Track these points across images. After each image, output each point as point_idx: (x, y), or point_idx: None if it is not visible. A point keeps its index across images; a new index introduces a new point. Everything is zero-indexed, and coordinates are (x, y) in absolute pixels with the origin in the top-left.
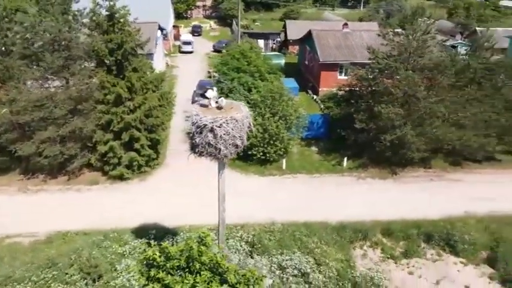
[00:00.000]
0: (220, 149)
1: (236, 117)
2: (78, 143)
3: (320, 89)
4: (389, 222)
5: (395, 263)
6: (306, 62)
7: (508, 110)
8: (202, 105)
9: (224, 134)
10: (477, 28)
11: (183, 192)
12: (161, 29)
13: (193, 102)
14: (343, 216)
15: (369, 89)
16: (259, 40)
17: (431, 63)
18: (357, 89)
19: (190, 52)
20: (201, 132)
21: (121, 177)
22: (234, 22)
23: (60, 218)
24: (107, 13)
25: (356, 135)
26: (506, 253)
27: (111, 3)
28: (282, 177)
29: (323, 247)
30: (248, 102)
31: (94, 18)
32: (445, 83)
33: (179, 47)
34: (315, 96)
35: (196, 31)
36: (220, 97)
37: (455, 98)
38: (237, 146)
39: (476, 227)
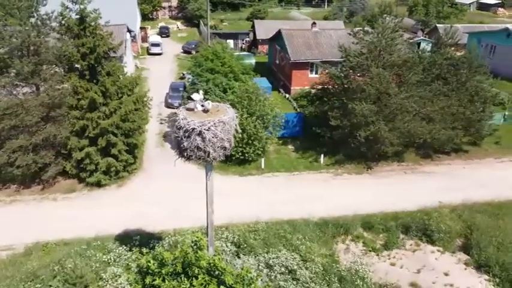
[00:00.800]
0: (209, 152)
1: (224, 120)
2: (52, 150)
3: (292, 88)
4: (369, 216)
5: (377, 255)
6: (277, 61)
7: (472, 103)
8: (188, 109)
9: (212, 137)
10: (437, 25)
11: (163, 196)
12: (129, 31)
13: (166, 105)
14: (325, 212)
15: (342, 86)
16: (228, 40)
17: (400, 60)
18: (330, 87)
19: (159, 54)
20: (189, 136)
21: (98, 184)
22: (202, 23)
23: (37, 229)
24: (78, 17)
25: (331, 132)
26: (479, 240)
27: (82, 6)
28: (262, 176)
29: (307, 243)
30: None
31: (63, 22)
32: (413, 79)
33: (147, 48)
34: (287, 95)
35: (163, 32)
36: (206, 100)
37: (424, 93)
38: (225, 149)
39: (450, 216)
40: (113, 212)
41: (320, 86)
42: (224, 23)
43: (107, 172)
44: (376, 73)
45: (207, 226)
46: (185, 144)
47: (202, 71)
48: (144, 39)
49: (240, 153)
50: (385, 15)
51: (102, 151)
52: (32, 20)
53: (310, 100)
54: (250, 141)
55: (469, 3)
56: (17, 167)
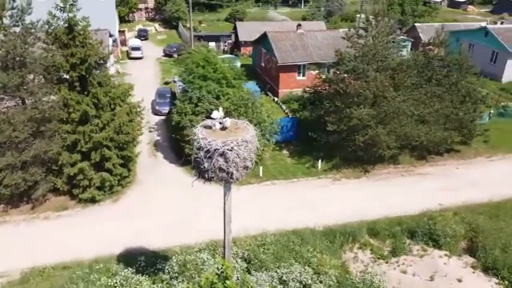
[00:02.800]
0: (232, 173)
1: (247, 139)
2: (42, 167)
3: (280, 91)
4: (374, 222)
5: (386, 263)
6: (263, 64)
7: (463, 104)
8: (205, 127)
9: (236, 157)
10: (416, 24)
11: (161, 209)
12: (110, 35)
13: (154, 112)
14: (328, 220)
15: (337, 90)
16: (210, 42)
17: (394, 63)
18: (323, 90)
19: (140, 58)
20: (210, 157)
21: (93, 200)
22: (181, 24)
23: (31, 252)
24: (66, 25)
25: (327, 137)
26: (484, 242)
27: (71, 15)
28: (261, 185)
29: (317, 255)
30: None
31: (50, 31)
32: (409, 82)
33: (127, 52)
34: (275, 98)
35: (142, 35)
36: (225, 117)
37: (419, 95)
38: (247, 168)
39: (454, 220)
40: (110, 229)
41: (312, 90)
42: (203, 25)
43: (101, 187)
44: (373, 77)
45: (224, 246)
46: (206, 165)
47: (194, 78)
48: (123, 42)
49: None
50: (379, 18)
51: (95, 166)
52: (17, 29)
53: (302, 104)
54: None
55: (440, 1)
56: (4, 186)
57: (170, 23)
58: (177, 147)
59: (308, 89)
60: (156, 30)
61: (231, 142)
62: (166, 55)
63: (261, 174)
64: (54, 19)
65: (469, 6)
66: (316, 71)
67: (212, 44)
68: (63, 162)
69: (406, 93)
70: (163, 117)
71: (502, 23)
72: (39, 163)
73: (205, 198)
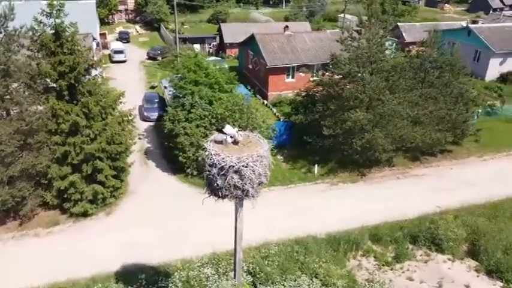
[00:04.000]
0: (247, 191)
1: (262, 154)
2: (30, 181)
3: (269, 93)
4: (375, 228)
5: (391, 270)
6: (250, 66)
7: (456, 104)
8: (216, 141)
9: (251, 174)
10: (399, 24)
11: (156, 220)
12: (93, 39)
13: (142, 118)
14: (329, 226)
15: (335, 94)
16: (195, 44)
17: (388, 65)
18: (316, 93)
19: (123, 61)
20: (224, 174)
21: (85, 214)
22: (163, 26)
23: (22, 272)
24: (53, 32)
25: (323, 141)
26: (486, 245)
27: (58, 20)
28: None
29: (323, 265)
30: (214, 117)
31: (35, 37)
32: (404, 85)
33: (109, 56)
34: (265, 101)
35: (124, 38)
36: (238, 131)
37: (414, 97)
38: (261, 183)
39: (456, 223)
40: (105, 244)
41: (305, 93)
42: (185, 26)
43: (94, 200)
44: (369, 80)
45: (235, 266)
46: (219, 182)
47: (185, 83)
48: (105, 46)
49: None
50: (373, 20)
51: (87, 178)
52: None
53: (294, 107)
54: None
55: (418, 0)
56: None
57: (151, 24)
58: (169, 154)
59: (301, 91)
60: (138, 32)
61: (246, 158)
62: (150, 58)
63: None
64: (40, 25)
65: (446, 5)
66: (309, 74)
67: (197, 46)
68: (53, 176)
69: (401, 95)
70: (152, 123)
71: (483, 23)
72: (26, 177)
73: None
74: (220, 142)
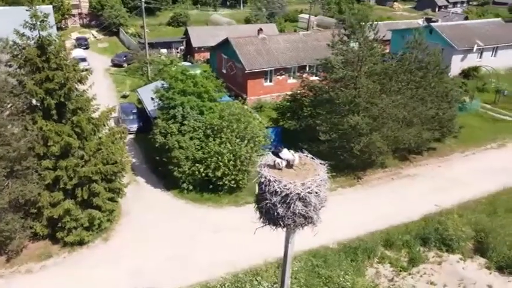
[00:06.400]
0: (312, 218)
1: (324, 177)
2: (18, 212)
3: (248, 98)
4: (386, 233)
5: (409, 275)
6: (224, 71)
7: (441, 104)
8: (270, 166)
9: (315, 200)
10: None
11: (159, 245)
12: None
13: None
14: (339, 235)
15: (330, 99)
16: (161, 49)
17: (379, 68)
18: (305, 97)
19: (87, 70)
20: (286, 202)
21: (80, 242)
22: (122, 31)
23: None
24: (36, 45)
25: (318, 147)
26: (494, 242)
27: (44, 33)
28: None
29: (347, 277)
30: (209, 128)
31: (17, 52)
32: (396, 87)
33: None
34: (246, 107)
35: (82, 44)
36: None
37: (405, 99)
38: (322, 207)
39: (462, 222)
40: (108, 275)
41: (292, 98)
42: (146, 30)
43: (90, 227)
44: (365, 84)
45: None
46: (280, 211)
47: (173, 93)
48: None
49: (232, 182)
50: (363, 24)
51: (81, 203)
52: None
53: (281, 113)
54: (243, 168)
55: None
56: None
57: (109, 29)
58: (160, 169)
59: (287, 96)
60: (95, 37)
61: (311, 184)
62: (115, 65)
63: (257, 192)
64: (23, 39)
65: (395, 3)
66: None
67: (164, 51)
68: (43, 204)
69: (395, 98)
70: (132, 136)
71: (435, 21)
72: (15, 208)
73: (201, 224)
74: (274, 166)
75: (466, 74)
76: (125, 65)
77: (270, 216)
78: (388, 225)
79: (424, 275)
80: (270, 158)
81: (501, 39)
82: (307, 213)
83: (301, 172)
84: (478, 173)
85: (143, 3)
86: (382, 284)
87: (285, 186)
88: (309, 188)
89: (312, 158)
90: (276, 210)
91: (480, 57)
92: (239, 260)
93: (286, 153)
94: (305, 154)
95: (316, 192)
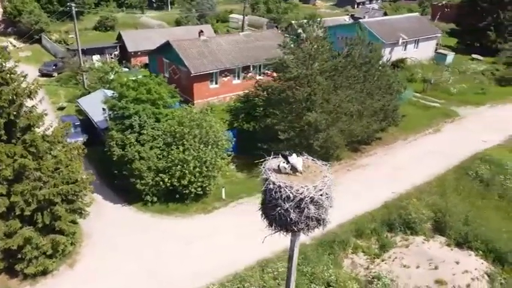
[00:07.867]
0: (323, 220)
1: (331, 178)
2: None
3: (196, 102)
4: (354, 223)
5: (383, 261)
6: (167, 75)
7: (385, 96)
8: (275, 171)
9: (326, 201)
10: (293, 22)
11: (131, 264)
12: None
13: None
14: None
15: (286, 97)
16: (94, 56)
17: (329, 65)
18: (257, 97)
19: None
20: (299, 206)
21: (44, 272)
22: (46, 37)
23: None
24: None
25: (277, 146)
26: (450, 220)
27: None
28: (228, 208)
29: (330, 272)
30: (169, 136)
31: None
32: (346, 83)
33: None
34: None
35: None
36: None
37: (355, 93)
38: (330, 207)
39: (421, 204)
40: None
41: (243, 99)
42: (71, 35)
43: (53, 254)
44: (320, 81)
45: None
46: (293, 216)
47: (127, 102)
48: None
49: (199, 189)
50: (313, 23)
51: (42, 229)
52: None
53: (235, 114)
54: (209, 173)
55: None
56: None
57: (31, 36)
58: (117, 183)
59: (240, 98)
60: (14, 46)
61: (322, 186)
62: (44, 75)
63: (223, 196)
64: None
65: (317, 1)
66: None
67: (96, 58)
68: None
69: (346, 92)
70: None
71: (364, 17)
72: None
73: (170, 236)
74: (279, 171)
75: (395, 65)
76: (55, 74)
77: (282, 223)
78: (354, 215)
79: (395, 259)
80: (273, 162)
81: (421, 33)
82: (319, 215)
83: (308, 175)
84: (423, 157)
85: (74, 7)
86: (360, 273)
87: (298, 191)
88: (321, 190)
89: (313, 160)
90: (288, 216)
91: (405, 50)
92: (219, 269)
93: (294, 158)
94: (305, 156)
95: (327, 194)
